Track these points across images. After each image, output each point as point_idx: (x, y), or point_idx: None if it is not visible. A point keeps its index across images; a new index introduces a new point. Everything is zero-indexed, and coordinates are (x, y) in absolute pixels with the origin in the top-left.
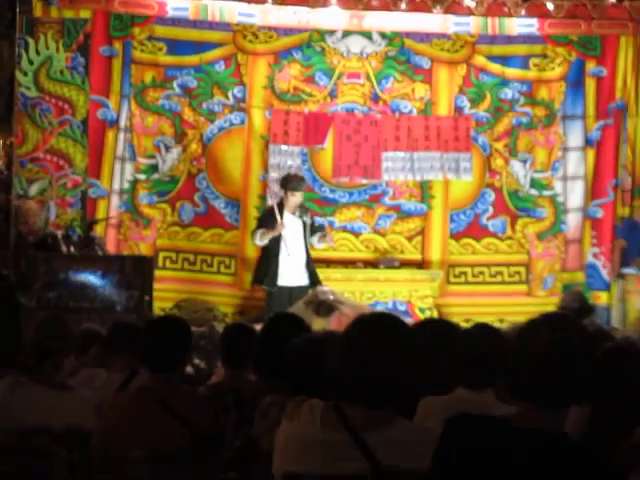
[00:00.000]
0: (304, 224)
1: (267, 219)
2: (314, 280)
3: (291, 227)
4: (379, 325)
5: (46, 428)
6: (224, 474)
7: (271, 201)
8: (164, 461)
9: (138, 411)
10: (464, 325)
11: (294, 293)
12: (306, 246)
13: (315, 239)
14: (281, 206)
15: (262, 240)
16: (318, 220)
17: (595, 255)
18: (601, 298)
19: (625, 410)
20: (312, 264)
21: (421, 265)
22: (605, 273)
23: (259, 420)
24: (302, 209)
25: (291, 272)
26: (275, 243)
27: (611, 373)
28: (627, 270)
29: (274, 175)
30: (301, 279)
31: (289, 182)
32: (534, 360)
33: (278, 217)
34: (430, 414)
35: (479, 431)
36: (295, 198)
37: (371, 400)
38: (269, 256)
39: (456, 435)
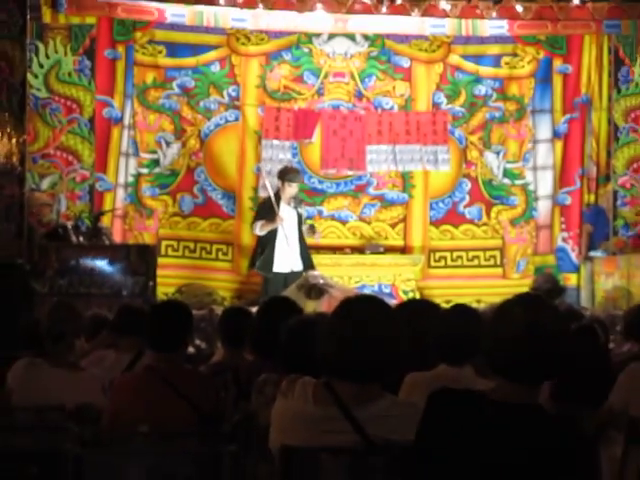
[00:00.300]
0: (299, 215)
1: (266, 211)
2: (308, 266)
3: (287, 217)
4: (365, 306)
5: (60, 405)
6: (224, 447)
7: (265, 192)
8: (169, 435)
9: (144, 389)
10: (444, 306)
11: (289, 278)
12: (300, 235)
13: (303, 230)
14: (277, 197)
15: (262, 231)
16: (308, 212)
17: (564, 239)
18: (570, 279)
19: (593, 382)
20: (306, 251)
21: (404, 250)
22: (574, 256)
23: (256, 396)
24: (296, 200)
25: (286, 259)
26: (272, 232)
27: (581, 349)
28: (594, 253)
29: (265, 168)
30: (295, 265)
31: (287, 174)
32: (509, 338)
33: (276, 209)
34: (414, 389)
35: (460, 404)
36: (291, 189)
37: (359, 377)
38: (266, 243)
39: (438, 408)
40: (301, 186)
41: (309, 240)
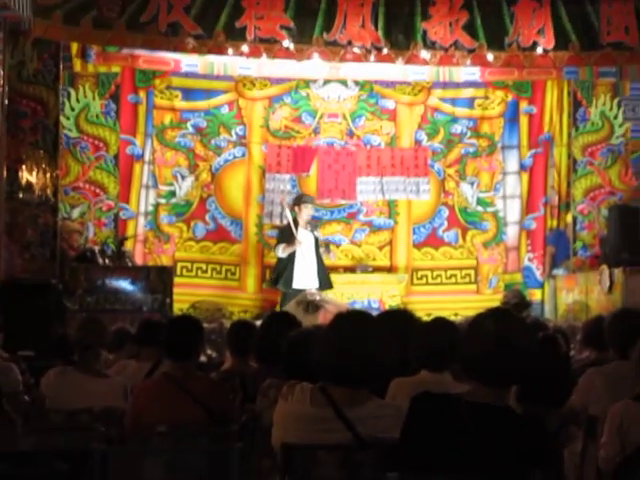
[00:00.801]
0: (315, 238)
1: (286, 235)
2: (325, 284)
3: (304, 240)
4: (356, 320)
5: (88, 408)
6: (233, 444)
7: (285, 220)
8: (183, 434)
9: (162, 393)
10: (426, 318)
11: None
12: (317, 255)
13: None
14: (296, 223)
15: (284, 253)
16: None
17: (530, 259)
18: (536, 295)
19: (556, 385)
20: (324, 271)
21: (390, 270)
22: (538, 274)
23: (260, 399)
24: (312, 225)
25: (304, 277)
26: (292, 254)
27: (545, 356)
28: (557, 271)
29: (270, 198)
30: (312, 283)
31: (301, 197)
32: (482, 347)
33: (295, 233)
34: (399, 393)
35: (438, 406)
36: (307, 210)
37: (351, 382)
38: (286, 263)
39: (420, 410)
40: (292, 214)
41: (326, 259)
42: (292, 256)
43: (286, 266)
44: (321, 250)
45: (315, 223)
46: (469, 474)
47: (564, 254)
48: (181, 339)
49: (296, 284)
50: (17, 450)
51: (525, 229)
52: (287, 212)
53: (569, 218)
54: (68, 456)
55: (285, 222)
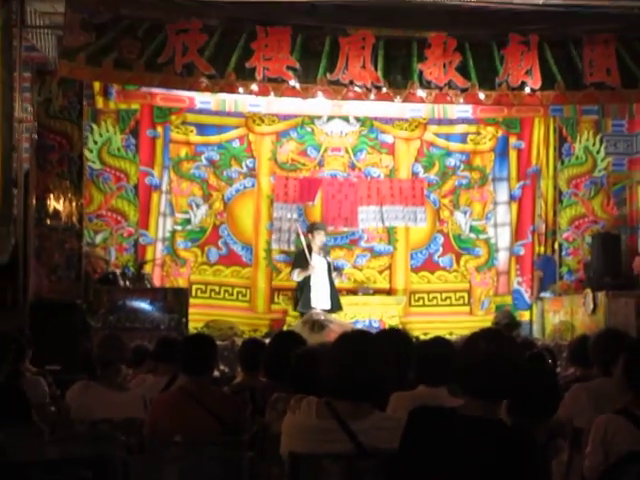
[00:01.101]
0: (328, 263)
1: (300, 260)
2: (335, 306)
3: (318, 265)
4: (359, 340)
5: (109, 419)
6: (244, 453)
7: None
8: (198, 443)
9: (178, 406)
10: (423, 337)
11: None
12: (329, 279)
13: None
14: (309, 248)
15: (298, 277)
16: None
17: (519, 283)
18: (525, 316)
19: (544, 400)
20: (335, 294)
21: (389, 292)
22: (527, 297)
23: (269, 411)
24: (325, 251)
25: (319, 299)
26: (307, 278)
27: (534, 373)
28: (544, 294)
29: (277, 225)
30: (325, 304)
31: (314, 224)
32: (475, 364)
33: (309, 258)
34: (399, 406)
35: (435, 419)
36: (320, 236)
37: (353, 396)
38: (303, 287)
39: (417, 423)
40: (307, 240)
41: (337, 280)
42: (308, 280)
43: (302, 290)
44: (334, 274)
45: (327, 249)
46: None
47: (552, 278)
48: (196, 355)
49: (313, 305)
50: (45, 458)
51: (514, 255)
52: (302, 238)
53: (556, 245)
54: (92, 464)
55: (293, 247)
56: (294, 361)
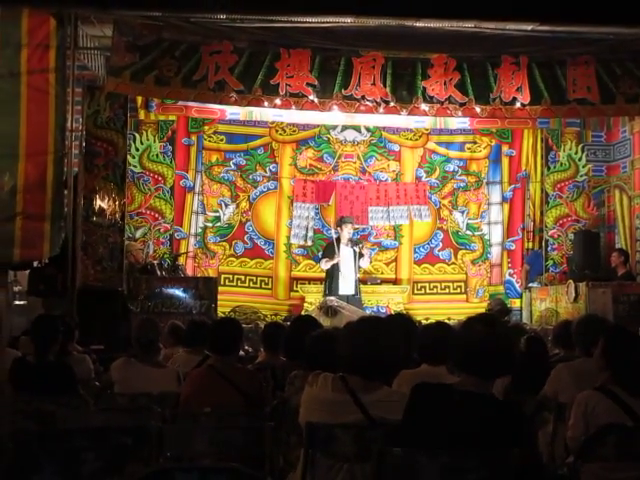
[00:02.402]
0: (354, 252)
1: (329, 251)
2: (357, 291)
3: (344, 255)
4: (369, 323)
5: (147, 393)
6: (266, 423)
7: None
8: (225, 414)
9: (207, 382)
10: (424, 322)
11: (349, 299)
12: (354, 268)
13: (359, 261)
14: (338, 240)
15: (326, 265)
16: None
17: (510, 274)
18: (516, 303)
19: (534, 378)
20: (358, 281)
21: (395, 282)
22: (518, 286)
23: (288, 387)
24: (352, 242)
25: (345, 285)
26: (336, 267)
27: (525, 354)
28: (532, 284)
29: (296, 222)
30: (351, 290)
31: (342, 218)
32: (471, 345)
33: (337, 249)
34: (403, 382)
35: (433, 394)
36: (347, 229)
37: (365, 372)
38: (332, 275)
39: (418, 397)
40: (321, 236)
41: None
42: (336, 269)
43: (332, 277)
44: (360, 260)
45: (355, 241)
46: (459, 450)
47: (538, 270)
48: (224, 337)
49: (341, 291)
50: (89, 426)
51: (506, 249)
52: (332, 231)
53: (543, 242)
54: (131, 432)
55: (310, 242)
56: (310, 342)
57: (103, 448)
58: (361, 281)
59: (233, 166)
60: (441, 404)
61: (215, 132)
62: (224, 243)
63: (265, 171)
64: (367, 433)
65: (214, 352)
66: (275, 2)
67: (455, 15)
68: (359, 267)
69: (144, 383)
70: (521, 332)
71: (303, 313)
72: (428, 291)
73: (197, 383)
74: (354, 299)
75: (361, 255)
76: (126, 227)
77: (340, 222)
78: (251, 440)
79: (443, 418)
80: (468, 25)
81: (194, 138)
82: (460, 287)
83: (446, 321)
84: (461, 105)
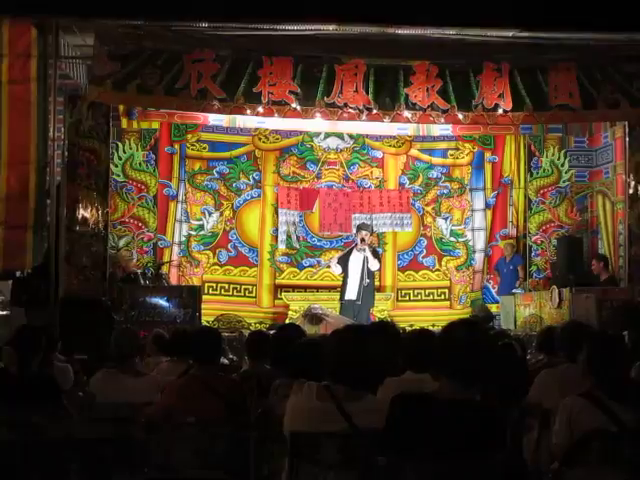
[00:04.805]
0: (364, 258)
1: (342, 256)
2: (361, 298)
3: (355, 261)
4: (354, 332)
5: (129, 402)
6: (250, 432)
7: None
8: (209, 424)
9: (190, 391)
10: (409, 329)
11: (355, 305)
12: (361, 274)
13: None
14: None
15: (334, 269)
16: (310, 261)
17: (487, 280)
18: (492, 309)
19: (513, 383)
20: (364, 288)
21: (379, 289)
22: (494, 292)
23: (272, 395)
24: (370, 248)
25: (352, 290)
26: (346, 272)
27: (505, 360)
28: (516, 290)
29: (281, 228)
30: (354, 295)
31: (359, 225)
32: (453, 350)
33: (350, 255)
34: (389, 390)
35: (413, 403)
36: (361, 235)
37: (350, 381)
38: (343, 281)
39: (398, 407)
40: (305, 243)
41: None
42: (347, 274)
43: (343, 282)
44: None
45: (373, 247)
46: (443, 458)
47: (509, 278)
48: (204, 347)
49: (346, 296)
50: (74, 437)
51: (487, 255)
52: (354, 237)
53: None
54: (115, 442)
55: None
56: (297, 350)
57: (88, 458)
58: (378, 289)
59: (216, 174)
60: (422, 413)
61: (198, 140)
62: (208, 251)
63: (248, 179)
64: (352, 442)
65: (196, 361)
66: (257, 10)
67: (437, 22)
68: (369, 271)
69: (124, 394)
70: (505, 339)
71: (287, 321)
72: (412, 298)
73: (180, 393)
74: (355, 305)
75: (375, 255)
76: (109, 236)
77: (357, 229)
78: (235, 450)
79: (425, 427)
80: (450, 32)
81: (177, 146)
82: (444, 294)
83: (430, 328)
84: (444, 112)
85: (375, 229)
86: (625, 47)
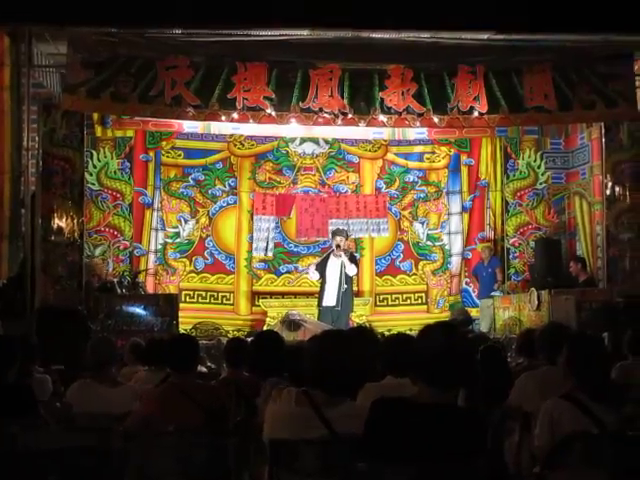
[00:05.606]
0: (341, 264)
1: (320, 262)
2: (340, 304)
3: (332, 266)
4: (332, 338)
5: (108, 413)
6: (229, 439)
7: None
8: (188, 432)
9: (168, 399)
10: (387, 333)
11: (333, 312)
12: (339, 279)
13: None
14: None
15: (311, 276)
16: (287, 267)
17: (467, 283)
18: (472, 312)
19: (497, 387)
20: (342, 293)
21: (357, 294)
22: (474, 296)
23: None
24: (346, 253)
25: (329, 297)
26: (324, 278)
27: (488, 363)
28: (494, 293)
29: (257, 235)
30: (333, 301)
31: (334, 231)
32: (430, 355)
33: (327, 261)
34: (368, 396)
35: (393, 409)
36: (336, 241)
37: (329, 387)
38: (321, 287)
39: (377, 413)
40: (282, 249)
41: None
42: (324, 280)
43: (321, 288)
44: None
45: (350, 251)
46: (423, 463)
47: (488, 281)
48: (181, 354)
49: (324, 302)
50: (52, 448)
51: (465, 259)
52: (333, 243)
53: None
54: (94, 452)
55: (271, 254)
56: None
57: (67, 469)
58: (356, 294)
59: (192, 181)
60: (402, 418)
61: (173, 147)
62: (184, 259)
63: (224, 186)
64: (331, 448)
65: (173, 370)
66: (227, 15)
67: (411, 26)
68: (347, 276)
69: (101, 404)
70: (485, 342)
71: (265, 328)
72: (390, 303)
73: (158, 401)
74: (334, 311)
75: (352, 260)
76: (85, 245)
77: (332, 234)
78: (216, 458)
79: (405, 432)
80: (424, 35)
81: (152, 154)
82: (421, 298)
83: (407, 332)
84: (419, 115)
85: (352, 234)
86: (600, 48)
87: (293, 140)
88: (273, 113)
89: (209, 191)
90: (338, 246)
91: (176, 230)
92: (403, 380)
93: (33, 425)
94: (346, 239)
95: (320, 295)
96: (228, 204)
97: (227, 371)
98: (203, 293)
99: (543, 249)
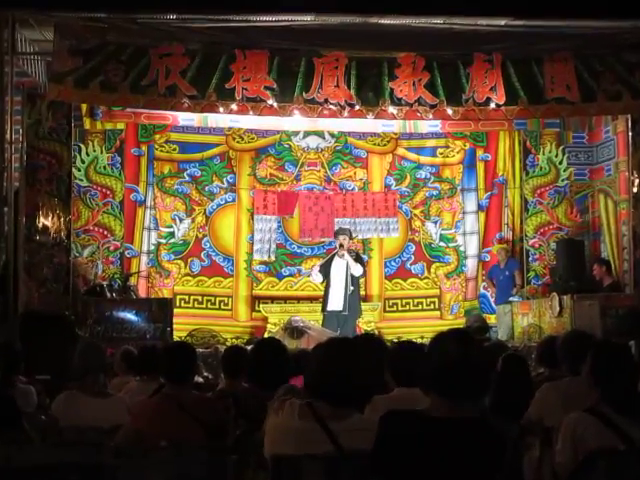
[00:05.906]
0: (347, 265)
1: (324, 263)
2: (348, 308)
3: (337, 268)
4: (339, 347)
5: (96, 426)
6: (228, 456)
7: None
8: (183, 448)
9: (162, 412)
10: (396, 341)
11: (339, 316)
12: (345, 282)
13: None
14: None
15: (314, 279)
16: (290, 270)
17: (485, 287)
18: (491, 319)
19: (516, 399)
20: (349, 297)
21: (365, 299)
22: (492, 301)
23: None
24: (350, 253)
25: (335, 301)
26: (328, 281)
27: (506, 373)
28: (513, 298)
29: (257, 236)
30: (340, 306)
31: (336, 231)
32: (442, 365)
33: (331, 263)
34: (377, 408)
35: (404, 422)
36: (339, 241)
37: (334, 398)
38: (325, 291)
39: (387, 426)
40: (284, 250)
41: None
42: (328, 284)
43: (325, 292)
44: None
45: (355, 252)
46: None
47: (505, 285)
48: (176, 364)
49: (329, 307)
50: (36, 464)
51: (482, 261)
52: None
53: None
54: (82, 469)
55: (273, 257)
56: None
57: None
58: (364, 299)
59: (187, 177)
60: (414, 433)
61: (167, 141)
62: (179, 261)
63: (222, 182)
64: (338, 464)
65: (167, 380)
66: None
67: (423, 10)
68: (352, 277)
69: (90, 415)
70: (503, 350)
71: (266, 335)
72: (400, 308)
73: (150, 414)
74: (340, 316)
75: (358, 260)
76: (72, 246)
77: (335, 234)
78: (213, 475)
79: (417, 447)
80: (437, 21)
81: (144, 148)
82: (434, 303)
83: (419, 340)
84: (432, 107)
85: (360, 235)
86: (627, 35)
87: (296, 133)
88: (275, 104)
89: (206, 188)
90: (341, 245)
91: (170, 230)
92: (414, 391)
93: (16, 440)
94: (350, 238)
95: (324, 299)
96: (226, 202)
97: (225, 382)
98: (199, 297)
99: (565, 251)
